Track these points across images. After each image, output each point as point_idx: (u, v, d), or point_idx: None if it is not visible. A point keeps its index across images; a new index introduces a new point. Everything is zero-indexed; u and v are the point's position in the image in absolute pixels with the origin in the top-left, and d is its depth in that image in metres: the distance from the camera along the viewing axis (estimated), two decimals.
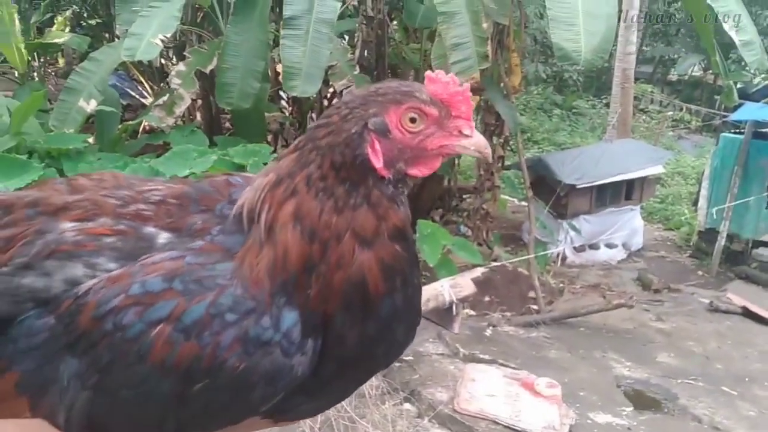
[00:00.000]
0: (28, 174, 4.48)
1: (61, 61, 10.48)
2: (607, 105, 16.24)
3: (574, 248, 9.50)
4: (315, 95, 6.67)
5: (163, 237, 1.25)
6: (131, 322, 1.15)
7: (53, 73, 9.98)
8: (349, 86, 6.11)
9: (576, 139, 16.23)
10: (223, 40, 6.00)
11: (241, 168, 5.57)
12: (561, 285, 7.97)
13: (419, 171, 1.27)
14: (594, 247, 9.69)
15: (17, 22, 6.94)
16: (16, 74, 7.83)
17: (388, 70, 7.40)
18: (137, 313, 1.15)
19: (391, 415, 3.79)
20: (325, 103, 7.53)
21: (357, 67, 6.49)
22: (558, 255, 9.07)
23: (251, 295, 1.17)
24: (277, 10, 6.51)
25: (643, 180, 9.97)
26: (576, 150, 11.81)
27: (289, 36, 5.28)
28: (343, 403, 3.48)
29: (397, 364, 4.56)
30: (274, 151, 6.03)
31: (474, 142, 1.26)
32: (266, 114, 6.99)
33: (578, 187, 9.19)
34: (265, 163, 5.59)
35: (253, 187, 1.25)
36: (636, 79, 16.25)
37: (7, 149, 5.19)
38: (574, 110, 18.95)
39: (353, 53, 6.96)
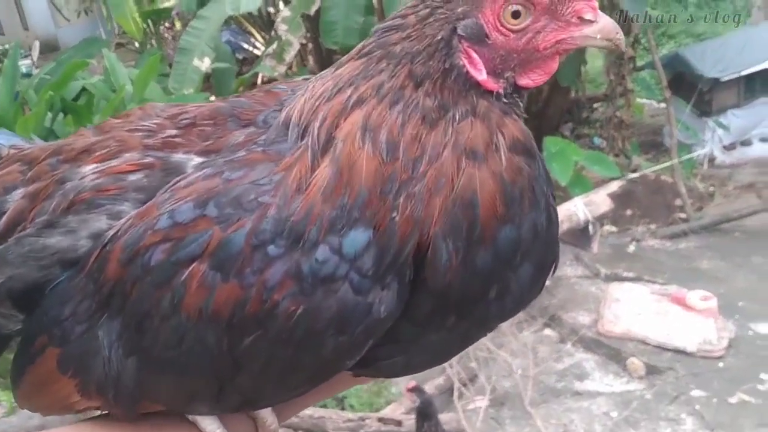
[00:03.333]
0: None
1: (178, 24, 10.77)
2: None
3: (724, 147, 8.76)
4: None
5: (197, 161, 1.08)
6: (160, 262, 0.99)
7: (171, 38, 10.31)
8: None
9: (717, 28, 14.78)
10: None
11: None
12: (711, 189, 7.38)
13: (533, 80, 1.01)
14: (746, 143, 8.89)
15: None
16: (136, 45, 8.13)
17: None
18: (165, 251, 0.99)
19: (532, 343, 3.66)
20: None
21: None
22: (705, 156, 8.39)
23: (301, 216, 0.98)
24: None
25: None
26: (717, 39, 10.76)
27: None
28: None
29: None
30: None
31: (600, 28, 0.99)
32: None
33: (723, 79, 8.43)
34: None
35: (304, 93, 1.04)
36: None
37: None
38: None
39: None
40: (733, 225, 5.76)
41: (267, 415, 1.10)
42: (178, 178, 1.03)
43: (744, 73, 8.51)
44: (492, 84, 0.98)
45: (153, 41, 8.47)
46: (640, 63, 8.37)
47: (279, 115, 1.06)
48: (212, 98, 6.76)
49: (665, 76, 7.25)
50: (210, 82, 7.04)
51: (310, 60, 7.97)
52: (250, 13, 8.34)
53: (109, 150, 1.11)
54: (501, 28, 0.96)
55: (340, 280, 0.96)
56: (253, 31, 9.17)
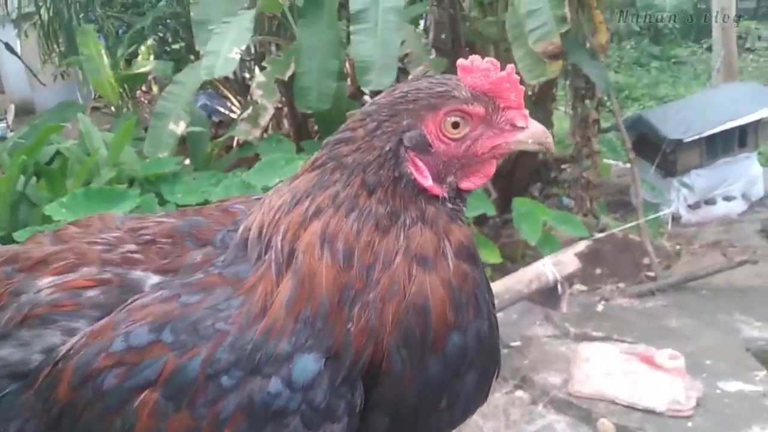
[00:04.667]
0: (126, 203, 4.67)
1: (155, 89, 10.90)
2: (709, 49, 15.22)
3: (689, 206, 8.95)
4: (394, 85, 6.60)
5: (155, 280, 1.08)
6: (112, 387, 0.95)
7: (148, 102, 10.41)
8: (427, 72, 5.98)
9: (679, 90, 15.30)
10: (296, 45, 6.03)
11: None
12: (677, 247, 7.53)
13: (473, 182, 1.10)
14: (710, 202, 9.10)
15: (105, 57, 7.25)
16: (113, 109, 8.21)
17: (466, 48, 7.20)
18: (118, 376, 0.95)
19: (503, 405, 3.67)
20: None
21: (433, 51, 6.34)
22: (671, 215, 8.57)
23: (260, 339, 0.95)
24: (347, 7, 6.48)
25: (757, 124, 9.23)
26: (679, 102, 11.11)
27: (358, 30, 5.23)
28: None
29: (504, 351, 4.43)
30: None
31: (531, 133, 1.08)
32: (349, 112, 6.97)
33: (685, 140, 8.65)
34: None
35: (262, 208, 1.09)
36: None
37: (108, 180, 5.43)
38: (673, 60, 17.87)
39: (427, 37, 6.83)
40: (699, 283, 5.86)
41: None
42: (135, 297, 1.03)
43: (705, 134, 8.73)
44: (437, 189, 1.07)
45: (129, 105, 8.55)
46: (605, 125, 8.61)
47: (236, 234, 1.11)
48: (187, 161, 6.81)
49: (629, 137, 7.46)
50: (185, 146, 7.10)
51: (285, 123, 8.09)
52: (225, 78, 8.48)
53: (66, 262, 1.11)
54: (442, 137, 1.07)
55: (291, 414, 0.93)
56: (229, 95, 9.30)
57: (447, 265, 1.02)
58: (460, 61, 1.11)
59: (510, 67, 1.10)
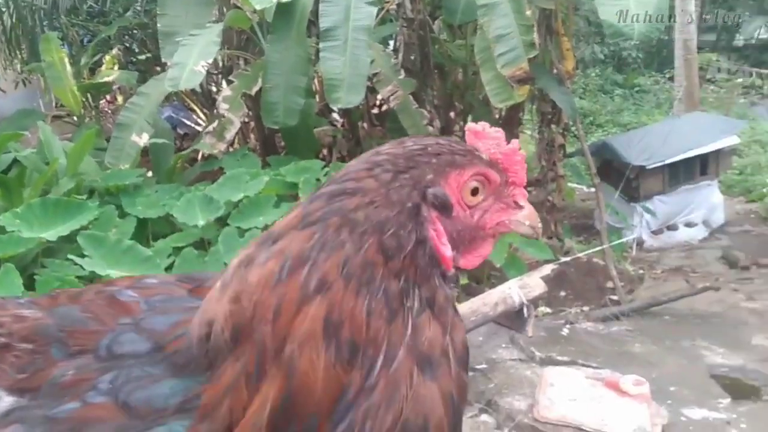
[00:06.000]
0: (84, 215, 4.52)
1: (120, 99, 10.73)
2: (671, 79, 15.63)
3: (651, 232, 9.09)
4: (363, 104, 6.57)
5: (6, 404, 0.81)
6: None
7: (111, 112, 10.22)
8: (396, 92, 5.96)
9: (642, 118, 15.61)
10: (264, 60, 5.96)
11: (293, 187, 5.51)
12: (641, 272, 7.61)
13: (470, 261, 0.96)
14: (672, 228, 9.25)
15: (68, 65, 7.09)
16: (75, 118, 8.02)
17: (435, 70, 7.22)
18: None
19: (468, 430, 3.60)
20: (375, 111, 7.41)
21: (402, 72, 6.33)
22: (634, 240, 8.67)
23: None
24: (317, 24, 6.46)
25: (717, 153, 9.46)
26: (642, 129, 11.33)
27: (327, 48, 5.19)
28: None
29: (470, 374, 4.37)
30: (326, 166, 5.93)
31: (527, 214, 0.98)
32: (317, 129, 6.92)
33: (648, 167, 8.81)
34: (318, 180, 5.51)
35: (222, 291, 0.82)
36: (699, 49, 15.55)
37: (67, 191, 5.27)
38: (636, 88, 18.27)
39: (396, 58, 6.82)
40: (662, 308, 5.91)
41: None
42: None
43: (668, 161, 8.91)
44: (451, 264, 0.89)
45: (92, 115, 8.37)
46: (570, 150, 8.70)
47: (125, 344, 0.83)
48: (149, 174, 6.67)
49: (594, 162, 7.55)
50: (149, 157, 6.96)
51: (252, 138, 8.00)
52: (192, 90, 8.37)
53: None
54: (462, 202, 0.92)
55: None
56: (195, 107, 9.18)
57: (449, 372, 0.83)
58: (470, 126, 0.98)
59: (516, 142, 1.00)
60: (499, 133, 0.98)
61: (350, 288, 0.78)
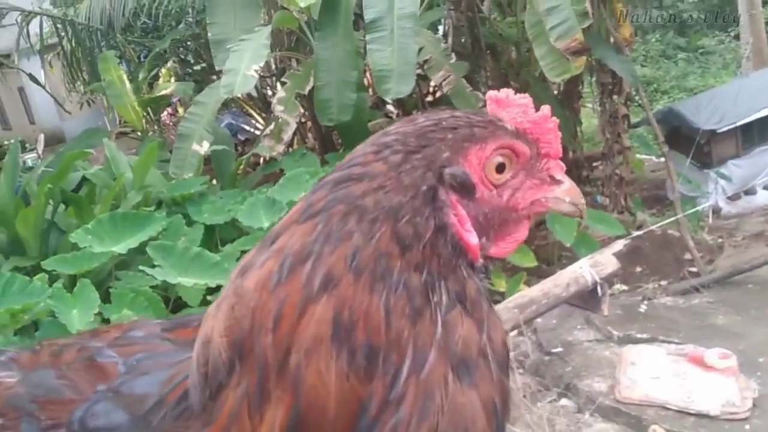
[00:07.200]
0: (152, 226, 4.62)
1: (181, 110, 10.99)
2: (737, 37, 14.96)
3: (728, 198, 8.71)
4: (416, 92, 6.51)
5: None
6: None
7: (173, 124, 10.49)
8: (448, 76, 5.88)
9: (708, 81, 15.00)
10: (313, 58, 5.98)
11: None
12: (719, 240, 7.28)
13: (503, 248, 0.85)
14: (750, 192, 8.84)
15: (127, 82, 7.30)
16: (139, 133, 8.26)
17: (487, 50, 7.09)
18: None
19: (548, 415, 3.51)
20: (429, 98, 7.34)
21: (453, 56, 6.23)
22: (710, 208, 8.33)
23: None
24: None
25: None
26: (710, 92, 10.87)
27: (374, 39, 5.15)
28: None
29: (546, 358, 4.28)
30: None
31: (567, 189, 0.86)
32: (371, 122, 6.90)
33: (720, 131, 8.45)
34: None
35: (217, 308, 0.74)
36: (765, 3, 14.80)
37: (135, 204, 5.42)
38: (701, 50, 17.55)
39: (446, 42, 6.73)
40: (745, 277, 5.63)
41: None
42: None
43: (740, 123, 8.53)
44: (478, 252, 0.78)
45: (155, 128, 8.61)
46: (635, 120, 8.43)
47: (100, 415, 0.74)
48: (213, 181, 6.79)
49: (661, 131, 7.28)
50: (211, 165, 7.10)
51: (310, 137, 8.05)
52: (249, 95, 8.50)
53: None
54: (486, 180, 0.81)
55: None
56: (253, 112, 9.32)
57: (489, 375, 0.72)
58: (491, 94, 0.87)
59: (547, 107, 0.88)
60: (525, 99, 0.86)
61: (362, 283, 0.68)
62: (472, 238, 0.77)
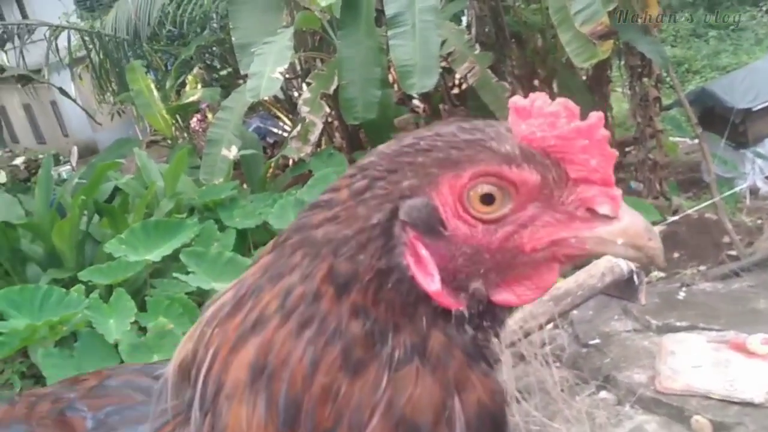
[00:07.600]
0: (184, 233, 4.67)
1: (210, 116, 11.10)
2: None
3: (765, 177, 8.48)
4: (441, 86, 6.47)
5: None
6: None
7: (203, 130, 10.59)
8: (473, 68, 5.83)
9: (742, 58, 14.63)
10: (337, 58, 5.97)
11: None
12: (759, 222, 7.09)
13: (515, 295, 0.69)
14: None
15: (155, 90, 7.38)
16: (169, 141, 8.36)
17: (512, 39, 7.00)
18: None
19: (587, 408, 3.46)
20: (455, 91, 7.29)
21: (477, 47, 6.17)
22: (747, 189, 8.12)
23: None
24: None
25: None
26: (744, 69, 10.59)
27: (396, 35, 5.13)
28: (528, 406, 3.22)
29: (583, 350, 4.22)
30: None
31: (623, 229, 0.67)
32: (397, 118, 6.87)
33: (755, 108, 8.22)
34: None
35: (197, 324, 0.71)
36: None
37: (168, 212, 5.48)
38: (732, 27, 17.13)
39: (470, 33, 6.66)
40: None
41: None
42: None
43: None
44: (449, 299, 0.66)
45: (185, 135, 8.70)
46: (666, 102, 8.26)
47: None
48: (243, 185, 6.84)
49: (694, 112, 7.12)
50: (240, 170, 7.15)
51: (337, 136, 8.05)
52: (275, 98, 8.52)
53: None
54: (464, 215, 0.67)
55: None
56: (280, 114, 9.35)
57: None
58: (514, 101, 0.70)
59: (597, 115, 0.69)
60: (557, 106, 0.68)
61: (287, 327, 0.61)
62: (431, 284, 0.64)
